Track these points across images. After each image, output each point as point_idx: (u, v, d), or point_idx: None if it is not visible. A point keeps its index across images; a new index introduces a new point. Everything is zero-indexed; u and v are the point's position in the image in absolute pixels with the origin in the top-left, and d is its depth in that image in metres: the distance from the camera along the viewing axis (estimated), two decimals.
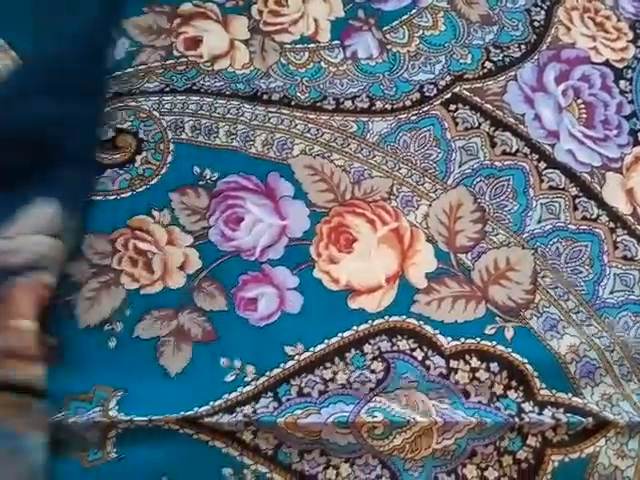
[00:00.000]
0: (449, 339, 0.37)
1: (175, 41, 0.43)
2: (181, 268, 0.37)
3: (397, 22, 0.45)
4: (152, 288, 0.37)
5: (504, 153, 0.42)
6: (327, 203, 0.40)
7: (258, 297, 0.37)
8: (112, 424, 0.32)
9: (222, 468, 0.33)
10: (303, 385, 0.35)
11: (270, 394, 0.34)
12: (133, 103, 0.41)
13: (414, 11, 0.46)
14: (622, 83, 0.45)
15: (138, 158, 0.40)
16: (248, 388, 0.34)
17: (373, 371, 0.36)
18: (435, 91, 0.43)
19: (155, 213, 0.38)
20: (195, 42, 0.43)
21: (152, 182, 0.39)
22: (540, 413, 0.36)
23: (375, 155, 0.41)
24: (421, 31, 0.45)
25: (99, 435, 0.32)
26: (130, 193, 0.39)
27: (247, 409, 0.34)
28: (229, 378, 0.35)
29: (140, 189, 0.39)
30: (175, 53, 0.43)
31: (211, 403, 0.33)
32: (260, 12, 0.45)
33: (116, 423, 0.32)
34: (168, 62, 0.43)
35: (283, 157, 0.41)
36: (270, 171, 0.40)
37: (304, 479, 0.33)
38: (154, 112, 0.41)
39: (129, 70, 0.42)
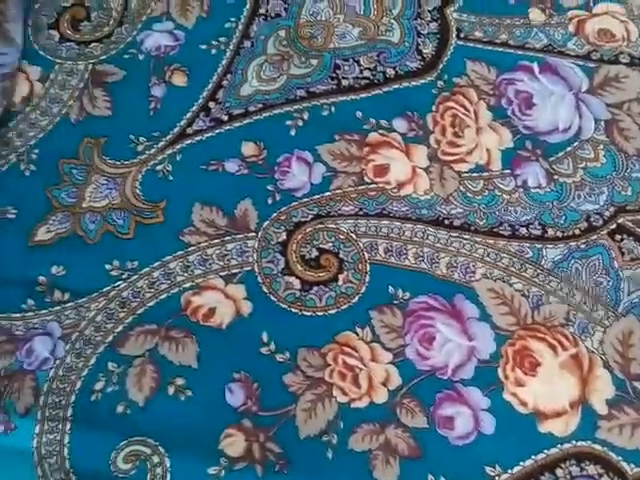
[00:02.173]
0: (632, 466, 0.40)
1: (365, 168, 0.49)
2: (384, 384, 0.42)
3: (562, 153, 0.49)
4: (360, 402, 0.41)
5: None
6: (510, 326, 0.44)
7: (454, 416, 0.41)
8: None
9: None
10: None
11: None
12: (332, 225, 0.47)
13: (577, 144, 0.50)
14: None
15: (340, 277, 0.45)
16: None
17: None
18: (601, 221, 0.47)
19: (358, 330, 0.43)
20: (382, 169, 0.49)
21: (354, 300, 0.44)
22: None
23: (551, 281, 0.45)
24: (584, 163, 0.49)
25: None
26: (336, 310, 0.44)
27: None
28: None
29: (344, 307, 0.44)
30: (366, 179, 0.48)
31: None
32: (438, 142, 0.50)
33: None
34: (360, 187, 0.48)
35: (467, 280, 0.45)
36: (456, 293, 0.45)
37: None
38: (351, 234, 0.46)
39: (327, 193, 0.48)
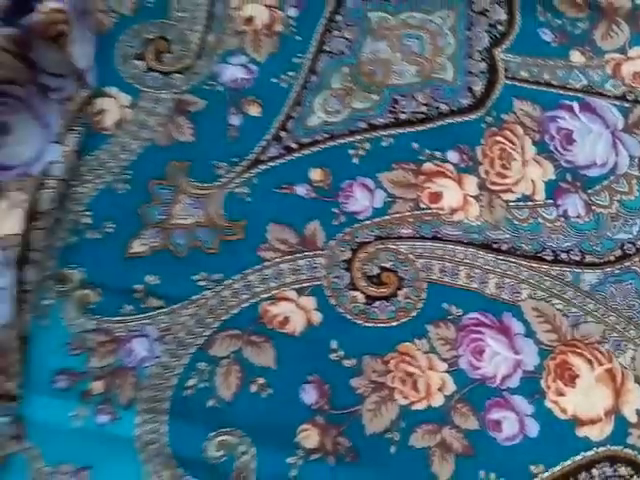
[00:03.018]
0: None
1: (421, 195, 0.54)
2: (440, 390, 0.47)
3: (599, 186, 0.55)
4: (419, 405, 0.46)
5: None
6: (552, 342, 0.49)
7: (502, 420, 0.46)
8: None
9: None
10: None
11: None
12: (393, 246, 0.52)
13: (612, 178, 0.55)
14: None
15: (400, 293, 0.50)
16: None
17: None
18: (634, 250, 0.52)
19: (417, 341, 0.49)
20: (437, 196, 0.54)
21: (412, 314, 0.50)
22: None
23: (588, 302, 0.50)
24: (619, 195, 0.55)
25: None
26: (396, 323, 0.49)
27: None
28: None
29: (404, 320, 0.49)
30: (421, 205, 0.54)
31: None
32: (487, 172, 0.55)
33: None
34: (416, 212, 0.53)
35: (513, 299, 0.50)
36: (504, 311, 0.50)
37: None
38: (409, 255, 0.52)
39: (386, 217, 0.53)
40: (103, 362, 0.47)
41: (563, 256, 0.52)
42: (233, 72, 0.59)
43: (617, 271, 0.52)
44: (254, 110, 0.57)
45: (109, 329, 0.48)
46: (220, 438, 0.45)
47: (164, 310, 0.49)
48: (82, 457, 0.43)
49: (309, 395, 0.47)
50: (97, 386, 0.46)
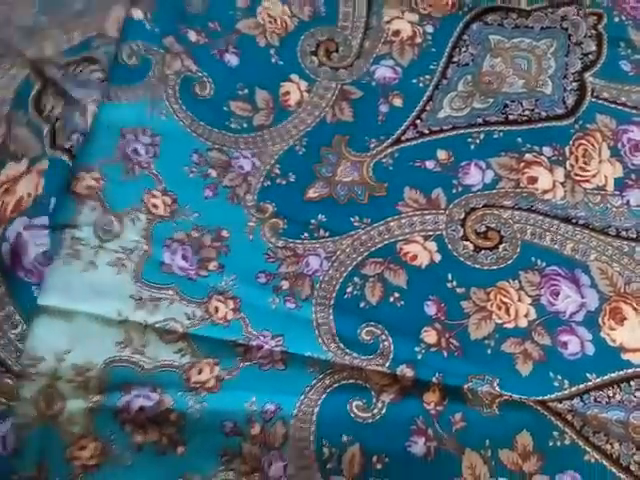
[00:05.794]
0: None
1: (521, 177, 0.72)
2: (525, 316, 0.65)
3: None
4: (509, 324, 0.65)
5: None
6: (609, 293, 0.66)
7: (568, 342, 0.64)
8: (499, 395, 0.60)
9: (553, 431, 0.60)
10: (597, 396, 0.61)
11: (579, 397, 0.61)
12: (496, 212, 0.70)
13: None
14: None
15: (500, 247, 0.68)
16: (566, 392, 0.61)
17: (635, 396, 0.61)
18: None
19: (511, 281, 0.67)
20: (533, 179, 0.72)
21: (508, 262, 0.68)
22: None
23: (639, 268, 0.67)
24: None
25: (490, 399, 0.60)
26: (496, 267, 0.67)
27: (567, 403, 0.61)
28: (555, 384, 0.62)
29: (502, 265, 0.67)
30: (521, 185, 0.71)
31: (548, 396, 0.61)
32: (572, 166, 0.72)
33: (500, 395, 0.60)
34: (516, 190, 0.71)
35: (584, 260, 0.68)
36: (575, 267, 0.67)
37: (594, 446, 0.59)
38: (509, 220, 0.69)
39: (494, 191, 0.71)
40: (289, 269, 0.66)
41: (623, 233, 0.69)
42: (383, 72, 0.77)
43: None
44: (398, 102, 0.76)
45: (292, 247, 0.67)
46: (368, 328, 0.64)
47: (330, 239, 0.68)
48: (276, 328, 0.63)
49: (430, 309, 0.65)
50: (285, 284, 0.66)
